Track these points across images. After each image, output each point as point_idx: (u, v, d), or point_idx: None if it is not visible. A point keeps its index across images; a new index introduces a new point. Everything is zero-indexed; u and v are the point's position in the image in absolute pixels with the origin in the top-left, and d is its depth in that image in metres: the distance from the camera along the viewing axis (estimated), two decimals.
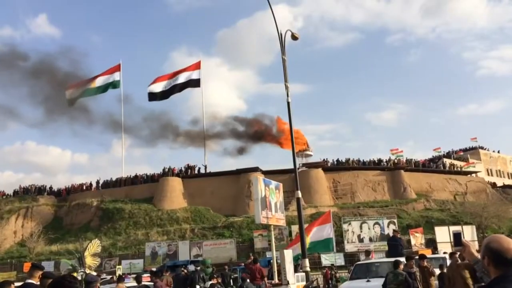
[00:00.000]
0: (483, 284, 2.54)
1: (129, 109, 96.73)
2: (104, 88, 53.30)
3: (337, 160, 50.46)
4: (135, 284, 12.52)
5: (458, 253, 9.35)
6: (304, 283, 14.15)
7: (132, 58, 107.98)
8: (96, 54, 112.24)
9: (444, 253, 16.20)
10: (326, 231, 16.04)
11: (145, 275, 16.58)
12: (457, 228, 31.09)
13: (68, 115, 54.14)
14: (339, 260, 32.61)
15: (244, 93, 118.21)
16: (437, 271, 11.07)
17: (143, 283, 11.15)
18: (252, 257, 16.14)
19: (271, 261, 16.84)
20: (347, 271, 25.80)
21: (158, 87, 52.53)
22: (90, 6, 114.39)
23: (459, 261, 9.58)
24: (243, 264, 24.69)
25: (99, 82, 53.18)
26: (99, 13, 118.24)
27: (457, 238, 2.90)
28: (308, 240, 15.75)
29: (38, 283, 5.46)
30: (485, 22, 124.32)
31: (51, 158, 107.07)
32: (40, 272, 5.57)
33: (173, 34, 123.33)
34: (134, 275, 22.92)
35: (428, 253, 21.31)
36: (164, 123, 55.85)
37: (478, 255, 2.71)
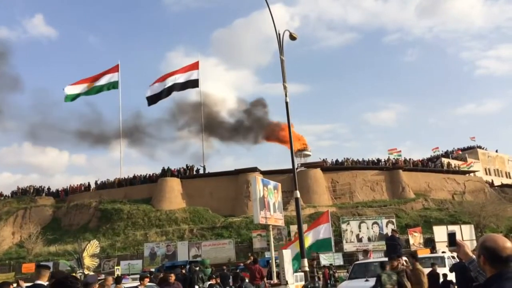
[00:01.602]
0: (478, 283, 2.57)
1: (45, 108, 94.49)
2: (101, 89, 53.23)
3: (336, 160, 50.61)
4: (134, 285, 12.49)
5: (451, 252, 9.48)
6: (303, 283, 14.19)
7: (129, 59, 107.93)
8: (93, 54, 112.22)
9: (443, 252, 16.23)
10: (324, 231, 16.01)
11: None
12: (452, 227, 31.14)
13: None
14: (338, 260, 32.62)
15: (241, 93, 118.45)
16: (430, 270, 11.26)
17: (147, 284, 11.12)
18: (252, 257, 16.13)
19: (270, 261, 16.85)
20: (345, 270, 25.81)
21: (155, 89, 52.27)
22: (87, 6, 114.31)
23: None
24: (242, 264, 24.70)
25: (97, 82, 53.12)
26: (96, 14, 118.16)
27: (452, 238, 2.91)
28: (308, 241, 15.70)
29: (47, 283, 5.24)
30: (482, 21, 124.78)
31: (49, 159, 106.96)
32: (48, 272, 5.42)
33: (170, 34, 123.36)
34: (132, 276, 22.98)
35: (426, 252, 21.37)
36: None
37: (473, 255, 2.75)
